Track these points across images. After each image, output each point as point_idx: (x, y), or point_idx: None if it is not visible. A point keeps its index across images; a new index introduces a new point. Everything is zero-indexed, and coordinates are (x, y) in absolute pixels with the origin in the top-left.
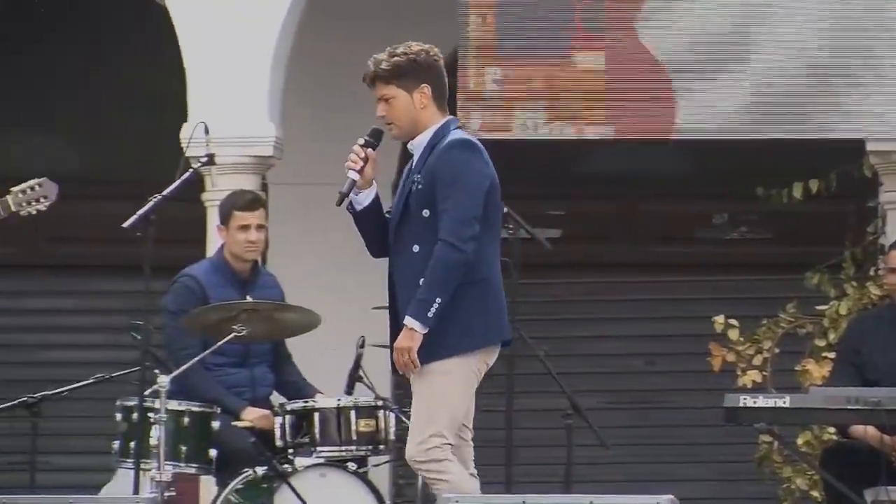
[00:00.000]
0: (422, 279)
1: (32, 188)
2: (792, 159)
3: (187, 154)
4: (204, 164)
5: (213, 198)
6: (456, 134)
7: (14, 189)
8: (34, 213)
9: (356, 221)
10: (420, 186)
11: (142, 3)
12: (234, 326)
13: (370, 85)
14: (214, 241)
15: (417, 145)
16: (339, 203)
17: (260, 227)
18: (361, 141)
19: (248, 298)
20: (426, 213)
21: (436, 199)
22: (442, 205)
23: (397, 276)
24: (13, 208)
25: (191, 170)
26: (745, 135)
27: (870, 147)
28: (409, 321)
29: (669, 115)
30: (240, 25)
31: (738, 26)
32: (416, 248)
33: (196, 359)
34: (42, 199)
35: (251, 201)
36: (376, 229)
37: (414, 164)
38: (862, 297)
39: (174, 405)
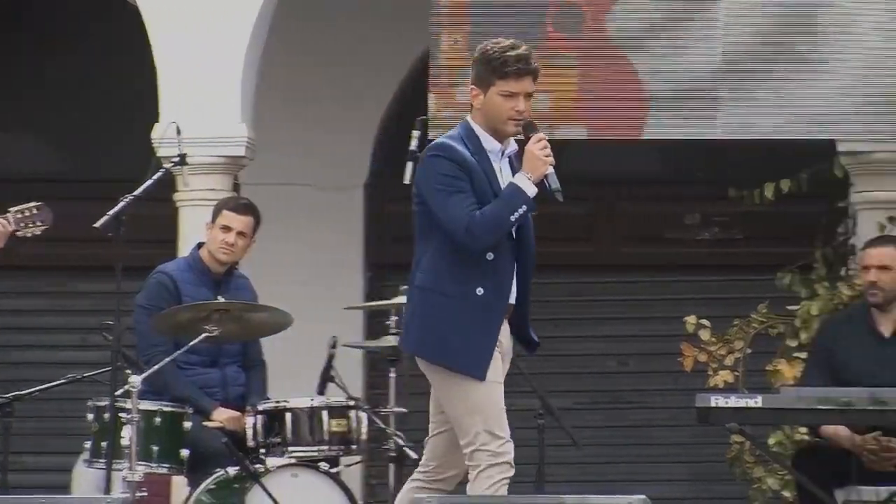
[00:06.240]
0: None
1: (31, 210)
2: (763, 160)
3: (159, 154)
4: (175, 164)
5: (184, 198)
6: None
7: (12, 209)
8: (29, 235)
9: (527, 213)
10: None
11: (113, 3)
12: (206, 326)
13: (521, 75)
14: (187, 240)
15: (508, 150)
16: (562, 198)
17: (242, 234)
18: (541, 134)
19: (220, 299)
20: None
21: None
22: None
23: (521, 271)
24: (13, 226)
25: (162, 170)
26: (715, 135)
27: (840, 147)
28: None
29: (641, 115)
30: (211, 25)
31: (707, 24)
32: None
33: (169, 358)
34: (39, 224)
35: (242, 206)
36: None
37: (512, 170)
38: (833, 297)
39: (146, 405)
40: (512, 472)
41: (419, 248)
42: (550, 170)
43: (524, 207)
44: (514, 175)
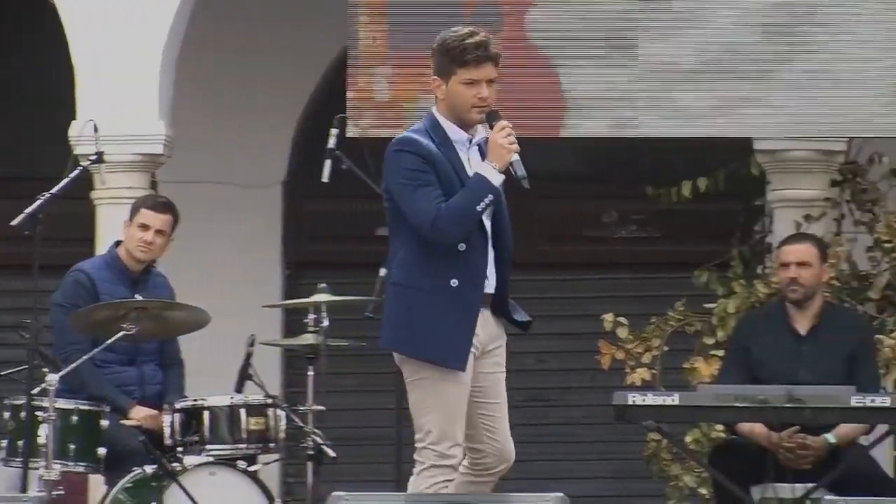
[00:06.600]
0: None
1: None
2: (681, 158)
3: (76, 152)
4: (93, 162)
5: (102, 196)
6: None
7: None
8: None
9: (493, 202)
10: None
11: (32, 0)
12: (124, 325)
13: (481, 62)
14: (104, 239)
15: (477, 138)
16: (528, 185)
17: (160, 232)
18: (504, 122)
19: (138, 297)
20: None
21: None
22: None
23: (499, 259)
24: None
25: (80, 168)
26: (633, 134)
27: (757, 146)
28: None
29: (558, 113)
30: (129, 23)
31: (628, 20)
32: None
33: (86, 356)
34: None
35: (160, 204)
36: None
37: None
38: (750, 295)
39: (63, 403)
40: (455, 477)
41: (392, 245)
42: (515, 157)
43: (490, 196)
44: (521, 165)
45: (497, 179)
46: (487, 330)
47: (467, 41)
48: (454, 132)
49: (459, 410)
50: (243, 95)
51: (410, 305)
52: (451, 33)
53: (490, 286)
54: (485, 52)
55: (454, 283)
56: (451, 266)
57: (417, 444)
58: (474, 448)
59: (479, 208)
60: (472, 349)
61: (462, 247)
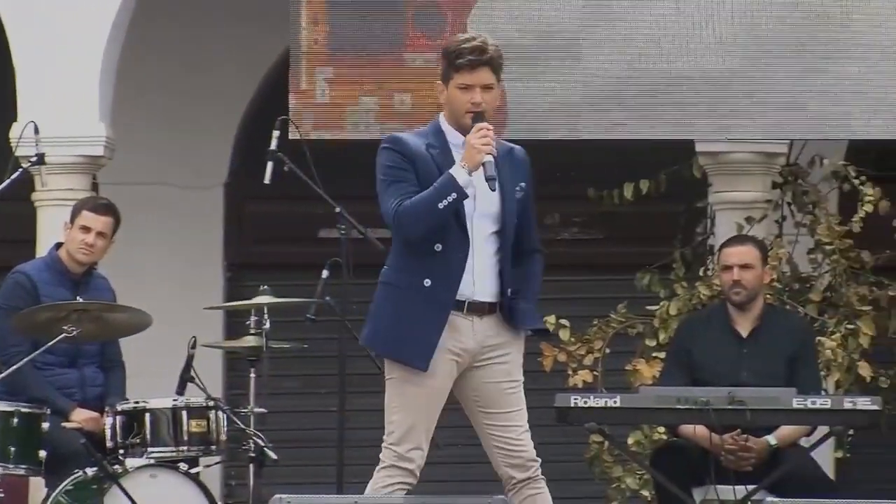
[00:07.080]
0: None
1: None
2: (623, 160)
3: (17, 153)
4: (34, 163)
5: (42, 198)
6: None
7: None
8: None
9: (457, 201)
10: (521, 195)
11: None
12: (65, 327)
13: (474, 67)
14: (45, 240)
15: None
16: (494, 188)
17: (101, 234)
18: (486, 124)
19: (79, 299)
20: (515, 221)
21: (524, 209)
22: (528, 213)
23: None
24: None
25: (20, 169)
26: (576, 136)
27: (699, 148)
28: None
29: (501, 115)
30: (70, 24)
31: (568, 25)
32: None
33: (27, 359)
34: None
35: (101, 206)
36: None
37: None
38: (691, 297)
39: (3, 406)
40: (413, 481)
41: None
42: (489, 158)
43: (454, 195)
44: (493, 167)
45: (463, 179)
46: (478, 338)
47: (464, 45)
48: (453, 136)
49: (424, 414)
50: (185, 97)
51: (388, 303)
52: (453, 38)
53: (485, 293)
54: (478, 57)
55: (427, 282)
56: (426, 266)
57: (382, 444)
58: (493, 461)
59: (441, 206)
60: (454, 356)
61: (438, 247)
